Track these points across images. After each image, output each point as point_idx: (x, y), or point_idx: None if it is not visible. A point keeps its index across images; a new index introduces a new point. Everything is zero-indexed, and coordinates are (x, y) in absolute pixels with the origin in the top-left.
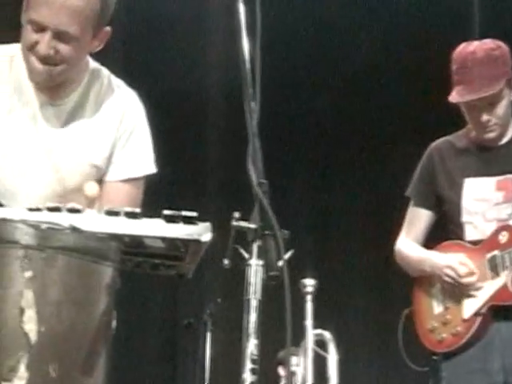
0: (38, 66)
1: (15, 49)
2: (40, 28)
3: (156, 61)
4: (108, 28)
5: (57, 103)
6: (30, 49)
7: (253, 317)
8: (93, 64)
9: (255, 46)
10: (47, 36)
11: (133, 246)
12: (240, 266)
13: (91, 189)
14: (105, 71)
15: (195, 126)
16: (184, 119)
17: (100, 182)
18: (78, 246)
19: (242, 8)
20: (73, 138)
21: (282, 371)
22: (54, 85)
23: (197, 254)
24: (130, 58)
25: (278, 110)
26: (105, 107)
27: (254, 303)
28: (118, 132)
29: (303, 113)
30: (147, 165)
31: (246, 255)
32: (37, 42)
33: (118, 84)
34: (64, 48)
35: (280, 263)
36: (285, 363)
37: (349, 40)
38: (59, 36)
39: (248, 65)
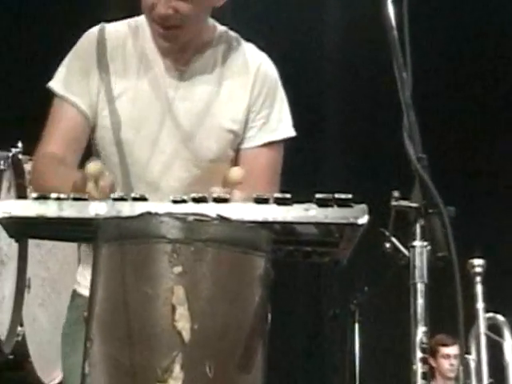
0: (159, 30)
1: (140, 19)
2: None
3: (272, 24)
4: None
5: (183, 68)
6: (150, 11)
7: (420, 302)
8: (219, 27)
9: (402, 10)
10: None
11: (284, 233)
12: (387, 251)
13: (235, 174)
14: (232, 33)
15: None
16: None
17: (237, 151)
18: (227, 237)
19: None
20: (204, 104)
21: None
22: (179, 48)
23: (353, 239)
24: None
25: (431, 80)
26: (236, 69)
27: (420, 287)
28: (252, 94)
29: (458, 83)
30: (286, 127)
31: (393, 239)
32: (154, 4)
33: (248, 46)
34: (183, 6)
35: (447, 243)
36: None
37: None
38: None
39: (395, 31)
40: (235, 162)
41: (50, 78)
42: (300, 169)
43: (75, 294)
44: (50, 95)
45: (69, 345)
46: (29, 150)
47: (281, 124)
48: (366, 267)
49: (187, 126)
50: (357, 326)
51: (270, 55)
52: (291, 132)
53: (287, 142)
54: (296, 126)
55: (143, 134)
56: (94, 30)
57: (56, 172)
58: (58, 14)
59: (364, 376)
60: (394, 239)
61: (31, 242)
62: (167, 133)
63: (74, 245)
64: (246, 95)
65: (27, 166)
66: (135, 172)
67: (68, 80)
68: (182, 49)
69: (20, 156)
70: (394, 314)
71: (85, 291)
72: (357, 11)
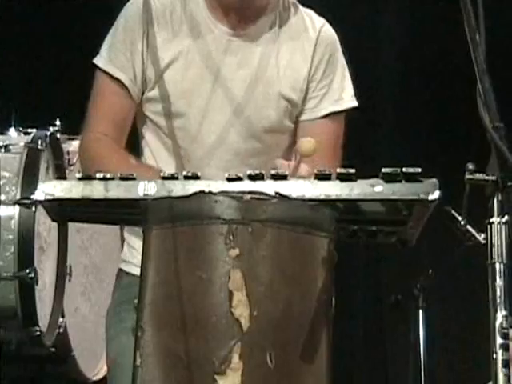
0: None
1: None
2: None
3: None
4: None
5: (239, 32)
6: None
7: (499, 284)
8: None
9: None
10: None
11: (348, 212)
12: (453, 231)
13: (307, 145)
14: None
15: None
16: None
17: (295, 122)
18: (287, 217)
19: None
20: (261, 70)
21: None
22: (239, 8)
23: (422, 217)
24: None
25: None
26: (295, 36)
27: (499, 267)
28: (312, 62)
29: None
30: (349, 97)
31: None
32: None
33: (307, 11)
34: None
35: None
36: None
37: None
38: None
39: None
40: (294, 135)
41: (89, 53)
42: (361, 142)
43: (122, 273)
44: (91, 70)
45: (116, 326)
46: (68, 129)
47: (343, 93)
48: (430, 247)
49: (242, 93)
50: (421, 312)
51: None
52: (354, 102)
53: (349, 113)
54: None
55: (195, 105)
56: None
57: (110, 155)
58: None
59: (431, 368)
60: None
61: (71, 228)
62: (220, 101)
63: (117, 230)
64: (306, 62)
65: (66, 146)
66: (187, 146)
67: (111, 54)
68: (239, 11)
69: (58, 135)
70: (464, 299)
71: (133, 269)
72: None
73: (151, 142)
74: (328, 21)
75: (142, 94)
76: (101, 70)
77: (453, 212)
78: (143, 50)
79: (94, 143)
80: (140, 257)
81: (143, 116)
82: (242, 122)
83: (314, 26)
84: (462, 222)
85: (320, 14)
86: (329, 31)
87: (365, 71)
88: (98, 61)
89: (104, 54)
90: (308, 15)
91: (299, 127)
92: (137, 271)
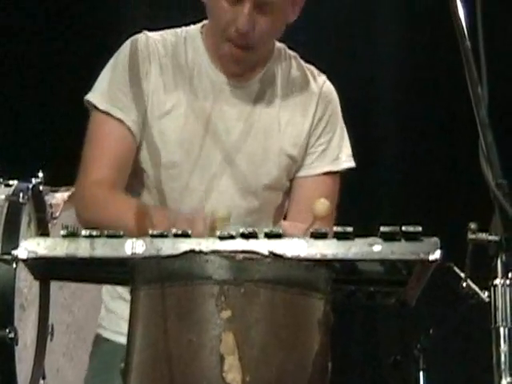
0: (232, 50)
1: (188, 30)
2: None
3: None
4: None
5: (240, 85)
6: (227, 27)
7: (504, 349)
8: (277, 43)
9: (475, 16)
10: (247, 7)
11: (345, 272)
12: (457, 289)
13: (323, 207)
14: (291, 52)
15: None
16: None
17: (292, 179)
18: (281, 277)
19: None
20: (263, 125)
21: None
22: (239, 62)
23: (423, 277)
24: None
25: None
26: (296, 90)
27: (504, 332)
28: (313, 118)
29: None
30: (347, 157)
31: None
32: (235, 18)
33: (308, 66)
34: (263, 22)
35: None
36: None
37: None
38: (260, 6)
39: (468, 41)
40: (288, 192)
41: (72, 101)
42: (359, 199)
43: (99, 339)
44: (75, 119)
45: None
46: (51, 180)
47: (341, 153)
48: (431, 305)
49: (243, 148)
50: (421, 374)
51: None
52: (351, 162)
53: (345, 172)
54: (353, 150)
55: (194, 157)
56: (138, 36)
57: (112, 201)
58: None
59: None
60: (465, 278)
61: (53, 284)
62: (221, 155)
63: (101, 286)
64: (308, 117)
65: (49, 198)
66: (183, 199)
67: (111, 92)
68: (238, 61)
69: (41, 187)
70: (466, 361)
71: (112, 336)
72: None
73: (135, 187)
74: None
75: (140, 138)
76: (99, 109)
77: (455, 268)
78: (144, 92)
79: (93, 189)
80: (119, 322)
81: (136, 161)
82: (243, 177)
83: (316, 81)
84: (465, 280)
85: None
86: (330, 88)
87: (363, 125)
88: (95, 99)
89: (102, 93)
90: (309, 69)
91: (293, 183)
92: (116, 338)
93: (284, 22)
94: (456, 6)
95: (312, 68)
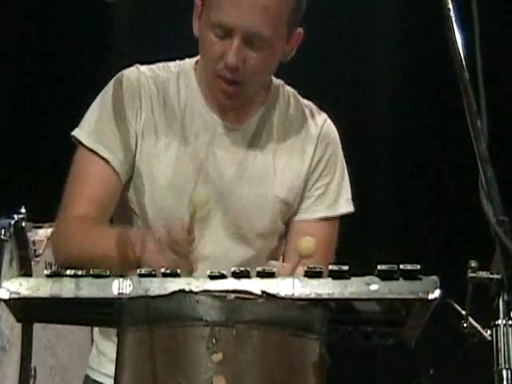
0: (222, 85)
1: (182, 64)
2: (226, 32)
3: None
4: (300, 29)
5: (235, 126)
6: (217, 62)
7: None
8: (274, 80)
9: (474, 45)
10: (236, 41)
11: (341, 312)
12: (458, 327)
13: (308, 245)
14: (289, 89)
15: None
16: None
17: (287, 222)
18: (274, 318)
19: None
20: (258, 169)
21: None
22: (234, 104)
23: (422, 317)
24: None
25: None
26: (294, 131)
27: (506, 375)
28: (312, 160)
29: None
30: (345, 201)
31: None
32: (224, 53)
33: (307, 104)
34: (254, 58)
35: None
36: None
37: None
38: (250, 41)
39: (466, 72)
40: (283, 236)
41: (55, 137)
42: (355, 236)
43: (88, 380)
44: (57, 155)
45: None
46: (34, 216)
47: (339, 197)
48: (431, 344)
49: (237, 193)
50: None
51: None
52: (349, 207)
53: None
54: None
55: (185, 202)
56: (129, 72)
57: (90, 230)
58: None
59: None
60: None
61: (36, 324)
62: (214, 201)
63: (87, 327)
64: (305, 162)
65: (32, 235)
66: None
67: (99, 130)
68: (233, 103)
69: (23, 224)
70: None
71: (102, 378)
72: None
73: (126, 225)
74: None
75: (128, 178)
76: (85, 146)
77: (456, 306)
78: (134, 130)
79: (73, 224)
80: (109, 364)
81: (126, 202)
82: (231, 224)
83: (316, 122)
84: (466, 319)
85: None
86: (331, 128)
87: (360, 162)
88: (82, 136)
89: (88, 130)
90: (308, 108)
91: (290, 227)
92: (105, 380)
93: (277, 58)
94: (454, 37)
95: (311, 106)
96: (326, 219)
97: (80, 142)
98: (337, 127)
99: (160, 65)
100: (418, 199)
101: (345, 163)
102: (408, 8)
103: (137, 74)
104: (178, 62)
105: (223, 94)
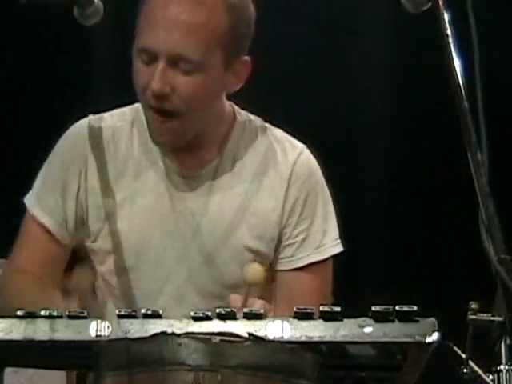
0: (154, 117)
1: (138, 110)
2: (151, 57)
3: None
4: (247, 58)
5: (195, 172)
6: (143, 92)
7: None
8: (239, 114)
9: (473, 70)
10: (160, 65)
11: (333, 356)
12: (458, 372)
13: (255, 272)
14: (257, 121)
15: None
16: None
17: (268, 270)
18: (262, 363)
19: (446, 17)
20: (222, 218)
21: None
22: (185, 147)
23: (419, 361)
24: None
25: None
26: (262, 173)
27: None
28: (285, 204)
29: None
30: (332, 241)
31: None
32: (148, 81)
33: (279, 138)
34: (184, 83)
35: None
36: None
37: None
38: (176, 64)
39: (465, 100)
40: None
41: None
42: (348, 276)
43: None
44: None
45: None
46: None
47: (325, 238)
48: None
49: (202, 246)
50: None
51: None
52: (338, 247)
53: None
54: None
55: (147, 259)
56: (78, 127)
57: (26, 286)
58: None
59: None
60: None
61: (8, 368)
62: (177, 256)
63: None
64: (276, 204)
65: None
66: (140, 305)
67: (41, 193)
68: (190, 147)
69: None
70: None
71: None
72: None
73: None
74: None
75: (81, 241)
76: (28, 210)
77: (455, 349)
78: (83, 190)
79: (15, 276)
80: None
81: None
82: (203, 279)
83: (287, 159)
84: (466, 362)
85: None
86: (306, 162)
87: (352, 203)
88: (28, 200)
89: (34, 193)
90: (280, 143)
91: (276, 279)
92: None
93: (213, 86)
94: (453, 65)
95: (284, 140)
96: (315, 264)
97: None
98: (323, 161)
99: (115, 112)
100: (414, 236)
101: (329, 197)
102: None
103: (86, 128)
104: (136, 105)
105: (157, 129)
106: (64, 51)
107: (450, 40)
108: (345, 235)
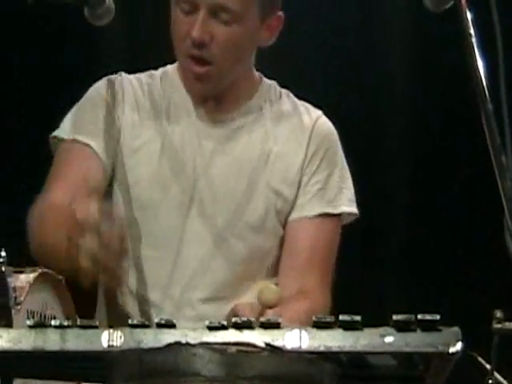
0: (192, 66)
1: (165, 69)
2: (192, 7)
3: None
4: (281, 13)
5: (222, 119)
6: (182, 41)
7: None
8: (266, 79)
9: (497, 71)
10: (201, 15)
11: (353, 366)
12: (483, 383)
13: (271, 295)
14: (282, 89)
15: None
16: None
17: (284, 223)
18: (280, 373)
19: (469, 16)
20: (248, 162)
21: None
22: (216, 96)
23: (442, 372)
24: None
25: None
26: (287, 124)
27: None
28: (307, 152)
29: None
30: (346, 201)
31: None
32: (190, 29)
33: (303, 103)
34: (222, 32)
35: None
36: None
37: None
38: (216, 14)
39: (489, 102)
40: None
41: (36, 178)
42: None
43: None
44: (34, 191)
45: None
46: (15, 260)
47: (341, 194)
48: None
49: (226, 187)
50: None
51: None
52: (352, 207)
53: (347, 226)
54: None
55: (171, 196)
56: (112, 77)
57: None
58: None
59: None
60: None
61: (17, 380)
62: (201, 196)
63: None
64: (300, 151)
65: (12, 281)
66: (159, 244)
67: (78, 123)
68: (219, 96)
69: (3, 268)
70: None
71: None
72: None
73: None
74: None
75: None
76: (64, 139)
77: (480, 359)
78: (119, 125)
79: (35, 211)
80: None
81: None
82: (222, 218)
83: (310, 115)
84: (491, 374)
85: None
86: (326, 123)
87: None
88: (60, 132)
89: (67, 126)
90: (303, 105)
91: (286, 229)
92: None
93: (249, 37)
94: (476, 64)
95: (306, 104)
96: (325, 217)
97: (59, 139)
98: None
99: (143, 73)
100: (437, 243)
101: (346, 165)
102: (424, 29)
103: (120, 78)
104: (161, 68)
105: (194, 76)
106: (69, 49)
107: (473, 40)
108: (367, 242)
